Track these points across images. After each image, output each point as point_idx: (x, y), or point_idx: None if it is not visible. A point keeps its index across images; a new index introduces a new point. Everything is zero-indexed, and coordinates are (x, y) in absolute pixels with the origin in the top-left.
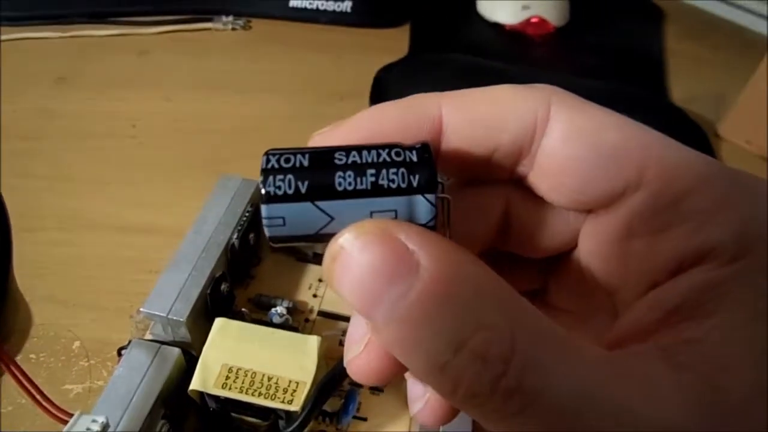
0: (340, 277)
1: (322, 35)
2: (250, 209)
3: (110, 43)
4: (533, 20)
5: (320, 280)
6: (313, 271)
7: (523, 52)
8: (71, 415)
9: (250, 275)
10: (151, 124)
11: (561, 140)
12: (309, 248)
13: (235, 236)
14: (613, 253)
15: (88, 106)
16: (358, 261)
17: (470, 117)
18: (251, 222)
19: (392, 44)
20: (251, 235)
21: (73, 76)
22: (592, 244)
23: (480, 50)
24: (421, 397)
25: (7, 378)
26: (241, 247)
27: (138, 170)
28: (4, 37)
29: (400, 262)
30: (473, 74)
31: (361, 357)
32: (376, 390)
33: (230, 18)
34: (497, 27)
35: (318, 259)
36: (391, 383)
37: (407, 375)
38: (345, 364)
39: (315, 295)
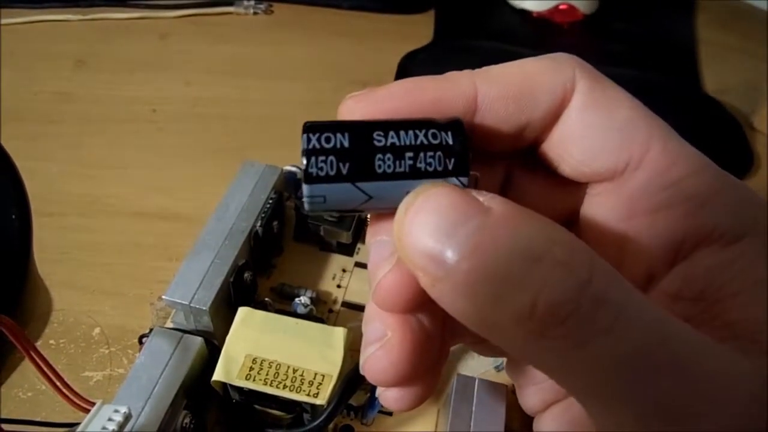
0: (413, 219)
1: (344, 21)
2: (273, 196)
3: (130, 26)
4: (561, 7)
5: (344, 270)
6: (336, 260)
7: (550, 40)
8: (92, 404)
9: (271, 264)
10: (171, 108)
11: (577, 110)
12: (333, 238)
13: (258, 224)
14: (612, 235)
15: (108, 89)
16: (435, 202)
17: (504, 94)
18: (275, 209)
19: (416, 31)
20: (275, 223)
21: (93, 59)
22: (590, 226)
23: (506, 37)
24: (380, 338)
25: (27, 364)
26: (264, 234)
27: (157, 155)
28: (23, 19)
29: (473, 203)
30: (499, 62)
31: (393, 273)
32: None
33: (252, 2)
34: (524, 14)
35: (342, 248)
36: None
37: (367, 318)
38: (372, 287)
39: (339, 286)
